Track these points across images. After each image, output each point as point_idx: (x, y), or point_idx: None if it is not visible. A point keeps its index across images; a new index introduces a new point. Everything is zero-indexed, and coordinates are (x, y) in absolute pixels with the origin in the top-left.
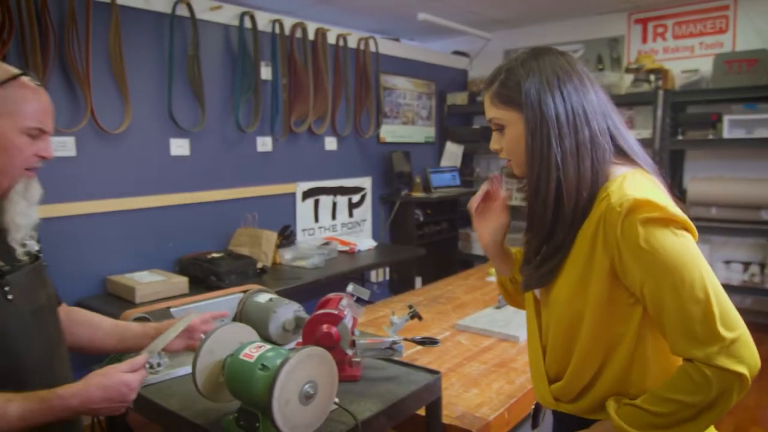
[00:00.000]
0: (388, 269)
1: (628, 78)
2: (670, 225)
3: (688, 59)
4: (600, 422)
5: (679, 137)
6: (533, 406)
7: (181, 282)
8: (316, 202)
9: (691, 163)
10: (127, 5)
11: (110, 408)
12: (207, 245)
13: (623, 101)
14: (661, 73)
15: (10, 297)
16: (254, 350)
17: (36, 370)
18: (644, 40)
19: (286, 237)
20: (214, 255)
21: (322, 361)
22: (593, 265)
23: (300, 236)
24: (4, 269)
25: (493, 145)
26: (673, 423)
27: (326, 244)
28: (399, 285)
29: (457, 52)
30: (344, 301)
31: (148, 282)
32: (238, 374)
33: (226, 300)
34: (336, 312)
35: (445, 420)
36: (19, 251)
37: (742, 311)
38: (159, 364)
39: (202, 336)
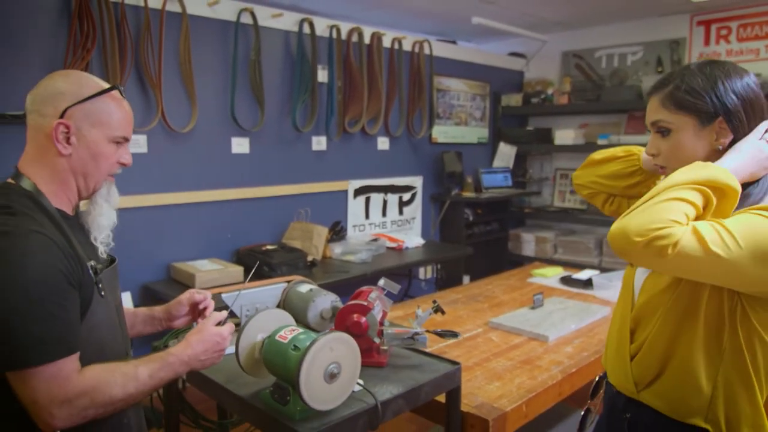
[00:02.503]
0: (436, 267)
1: None
2: None
3: (752, 62)
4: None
5: None
6: (582, 411)
7: (237, 271)
8: (367, 200)
9: None
10: (196, 14)
11: (211, 358)
12: (262, 238)
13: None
14: None
15: (103, 293)
16: (288, 333)
17: (115, 359)
18: (707, 42)
19: (337, 232)
20: (269, 247)
21: (347, 345)
22: None
23: (350, 232)
24: (98, 267)
25: (650, 149)
26: None
27: (375, 240)
28: (446, 282)
29: (513, 54)
30: (374, 294)
31: (208, 270)
32: (273, 353)
33: (270, 289)
34: (366, 303)
35: (463, 408)
36: (101, 250)
37: None
38: None
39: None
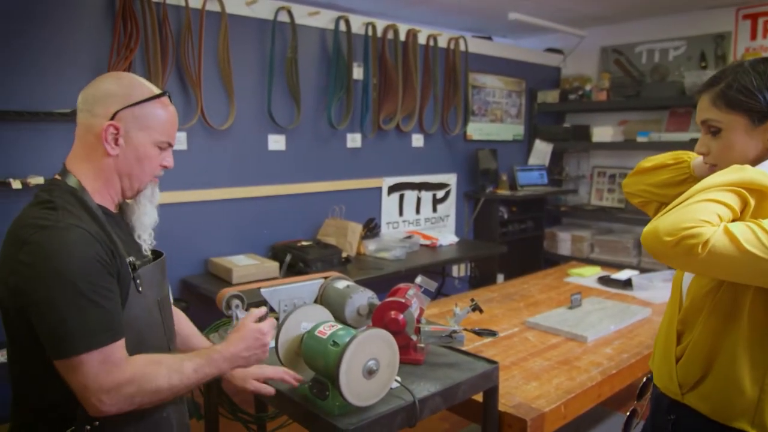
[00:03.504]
0: (470, 264)
1: None
2: None
3: None
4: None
5: None
6: (627, 414)
7: (273, 266)
8: (401, 197)
9: None
10: (235, 13)
11: (255, 354)
12: (297, 234)
13: None
14: None
15: (140, 289)
16: (327, 329)
17: (157, 351)
18: (753, 36)
19: (371, 229)
20: (304, 243)
21: (386, 342)
22: None
23: (384, 229)
24: (136, 263)
25: (700, 147)
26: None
27: (409, 237)
28: (480, 281)
29: (550, 50)
30: (411, 291)
31: (244, 265)
32: (312, 348)
33: (308, 284)
34: (403, 300)
35: (501, 408)
36: (145, 247)
37: None
38: None
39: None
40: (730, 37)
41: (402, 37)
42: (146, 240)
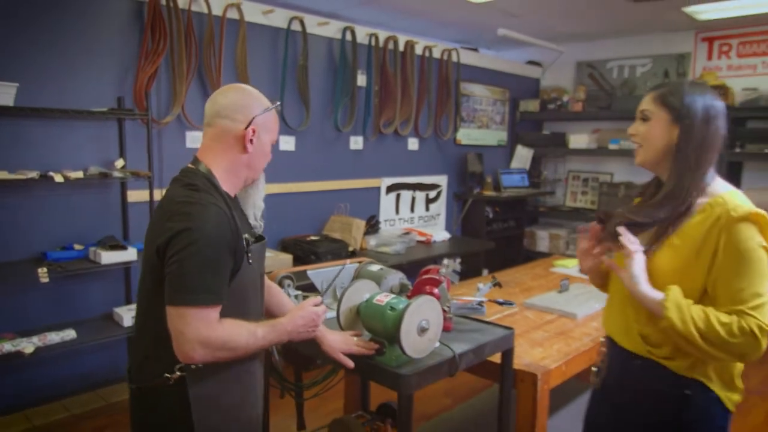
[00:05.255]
0: (458, 259)
1: None
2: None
3: (750, 77)
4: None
5: (737, 150)
6: (594, 369)
7: (287, 258)
8: (398, 196)
9: (749, 174)
10: (253, 21)
11: (307, 332)
12: (304, 229)
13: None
14: (722, 90)
15: (250, 261)
16: (383, 297)
17: (254, 316)
18: (709, 57)
19: (372, 226)
20: (313, 238)
21: (433, 306)
22: (702, 256)
23: (382, 226)
24: (250, 240)
25: (632, 129)
26: (705, 342)
27: (406, 233)
28: (467, 274)
29: (531, 62)
30: (443, 270)
31: None
32: (372, 313)
33: (346, 267)
34: (437, 277)
35: (515, 366)
36: (256, 226)
37: None
38: None
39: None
40: (690, 57)
41: (401, 47)
42: (258, 221)
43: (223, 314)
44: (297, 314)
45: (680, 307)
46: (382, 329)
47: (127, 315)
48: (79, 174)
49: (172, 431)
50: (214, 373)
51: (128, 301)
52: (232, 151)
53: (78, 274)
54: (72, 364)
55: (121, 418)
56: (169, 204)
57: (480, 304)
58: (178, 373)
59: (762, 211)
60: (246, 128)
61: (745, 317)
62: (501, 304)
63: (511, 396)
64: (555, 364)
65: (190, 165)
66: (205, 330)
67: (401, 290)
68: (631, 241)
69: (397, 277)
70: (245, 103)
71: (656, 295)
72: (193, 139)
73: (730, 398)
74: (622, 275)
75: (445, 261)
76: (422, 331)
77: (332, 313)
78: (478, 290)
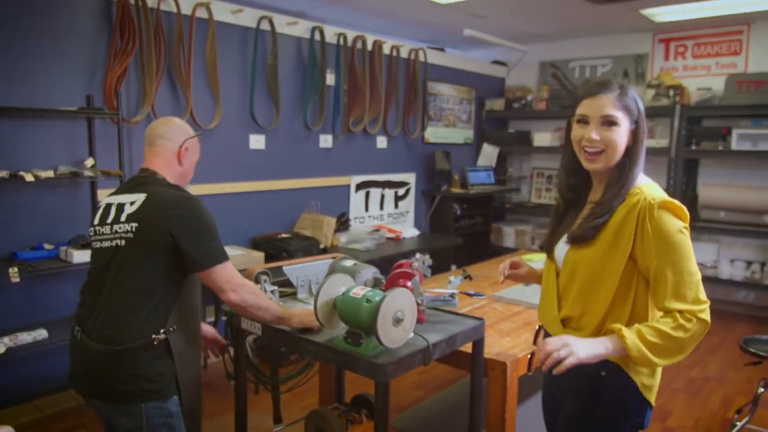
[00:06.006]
0: (427, 255)
1: (650, 92)
2: (682, 220)
3: (704, 77)
4: (610, 336)
5: (693, 147)
6: (529, 355)
7: (259, 256)
8: (367, 194)
9: (703, 170)
10: (222, 21)
11: (303, 322)
12: (275, 227)
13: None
14: (678, 89)
15: None
16: (359, 290)
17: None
18: (666, 57)
19: (342, 223)
20: (284, 235)
21: (407, 297)
22: (621, 240)
23: (352, 223)
24: None
25: (595, 135)
26: (662, 349)
27: (376, 230)
28: (436, 270)
29: (496, 62)
30: (416, 264)
31: (232, 255)
32: (349, 306)
33: (320, 263)
34: (410, 271)
35: (486, 355)
36: None
37: (744, 305)
38: None
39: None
40: (648, 58)
41: (369, 47)
42: None
43: (183, 300)
44: (309, 312)
45: (636, 346)
46: (359, 321)
47: None
48: (50, 173)
49: (160, 377)
50: (182, 333)
51: None
52: (173, 164)
53: (49, 273)
54: (43, 364)
55: (93, 418)
56: (166, 200)
57: (452, 296)
58: (162, 335)
59: (676, 201)
60: (180, 147)
61: (685, 314)
62: (472, 295)
63: (482, 384)
64: (523, 353)
65: (141, 173)
66: (232, 278)
67: (375, 284)
68: (559, 352)
69: (370, 272)
70: (178, 130)
71: (612, 345)
72: None
73: (647, 387)
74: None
75: (418, 255)
76: (397, 322)
77: (309, 307)
78: (450, 283)
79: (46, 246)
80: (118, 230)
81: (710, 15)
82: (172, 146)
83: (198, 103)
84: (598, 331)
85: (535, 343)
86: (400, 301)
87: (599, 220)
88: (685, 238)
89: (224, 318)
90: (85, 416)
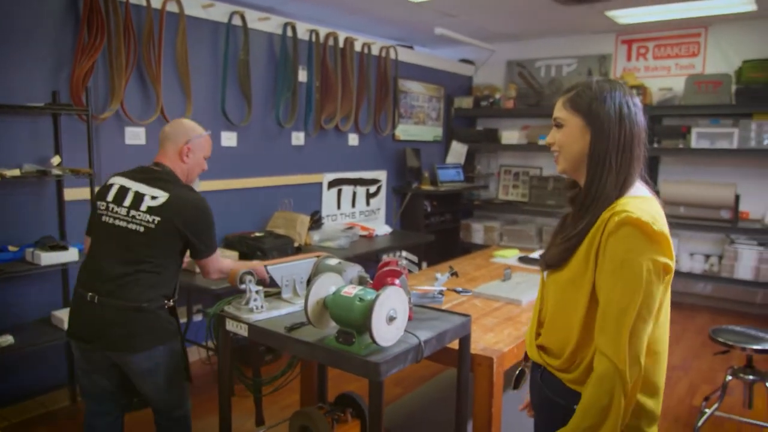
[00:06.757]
0: (399, 253)
1: None
2: (654, 247)
3: (665, 78)
4: None
5: (655, 145)
6: (517, 372)
7: (233, 255)
8: (339, 192)
9: (664, 167)
10: (193, 15)
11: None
12: (247, 226)
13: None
14: (641, 89)
15: None
16: (351, 289)
17: None
18: (629, 58)
19: (315, 221)
20: (257, 234)
21: (400, 296)
22: (589, 261)
23: (324, 221)
24: None
25: (549, 138)
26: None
27: (350, 228)
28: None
29: (463, 60)
30: (403, 261)
31: None
32: (340, 305)
33: (304, 262)
34: (398, 268)
35: (472, 351)
36: None
37: (703, 297)
38: (261, 306)
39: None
40: (611, 58)
41: (341, 44)
42: None
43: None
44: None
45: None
46: (351, 320)
47: (66, 318)
48: (16, 172)
49: (170, 325)
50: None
51: (66, 304)
52: (178, 162)
53: (14, 276)
54: (7, 371)
55: (62, 425)
56: (187, 197)
57: (441, 293)
58: (171, 302)
59: (645, 219)
60: (183, 146)
61: (599, 360)
62: (459, 292)
63: (468, 379)
64: (508, 347)
65: (155, 167)
66: (218, 263)
67: (360, 283)
68: None
69: (355, 270)
70: (181, 131)
71: None
72: (133, 135)
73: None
74: None
75: (403, 253)
76: (391, 320)
77: (294, 308)
78: (437, 280)
79: (11, 248)
80: (137, 217)
81: (670, 18)
82: (175, 146)
83: (169, 99)
84: (571, 362)
85: (515, 387)
86: (393, 300)
87: (569, 244)
88: (640, 266)
89: (204, 318)
90: (53, 424)
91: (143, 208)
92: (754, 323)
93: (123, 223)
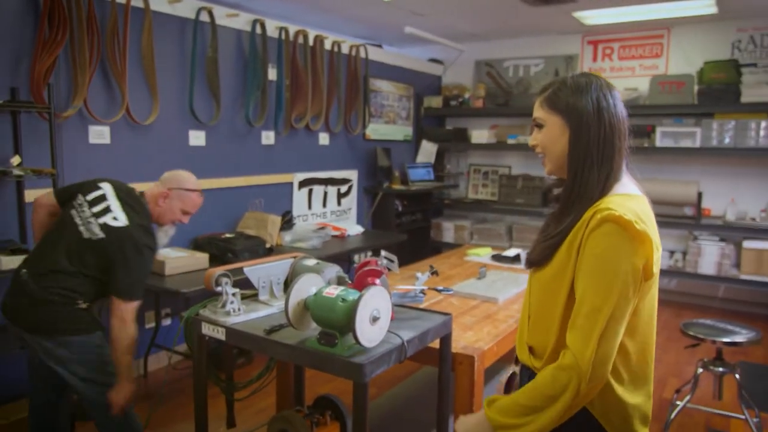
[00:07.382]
0: (370, 253)
1: None
2: (634, 247)
3: (630, 78)
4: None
5: None
6: (508, 375)
7: (203, 257)
8: (310, 191)
9: (630, 166)
10: (159, 11)
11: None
12: (217, 227)
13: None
14: None
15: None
16: (333, 290)
17: None
18: (595, 59)
19: (287, 221)
20: (228, 235)
21: (383, 296)
22: (570, 259)
23: (296, 222)
24: (153, 246)
25: (532, 140)
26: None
27: (321, 228)
28: None
29: (432, 60)
30: (383, 261)
31: (176, 257)
32: (322, 306)
33: (281, 263)
34: (378, 268)
35: (453, 350)
36: (161, 242)
37: (668, 292)
38: (239, 309)
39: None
40: (577, 58)
41: (311, 42)
42: (162, 241)
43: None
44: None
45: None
46: (334, 321)
47: None
48: None
49: (84, 320)
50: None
51: None
52: (154, 203)
53: None
54: None
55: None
56: (131, 237)
57: (422, 292)
58: (86, 305)
59: (628, 217)
60: (164, 190)
61: (564, 353)
62: (441, 291)
63: (449, 378)
64: (487, 345)
65: (140, 194)
66: (128, 317)
67: (339, 283)
68: None
69: (333, 271)
70: (172, 180)
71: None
72: (97, 134)
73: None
74: None
75: (384, 253)
76: (374, 320)
77: (272, 309)
78: (417, 279)
79: None
80: (91, 226)
81: (634, 19)
82: (159, 188)
83: (134, 97)
84: (551, 362)
85: (506, 392)
86: (377, 300)
87: (552, 242)
88: (618, 266)
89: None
90: None
91: (101, 221)
92: (716, 316)
93: (81, 225)
